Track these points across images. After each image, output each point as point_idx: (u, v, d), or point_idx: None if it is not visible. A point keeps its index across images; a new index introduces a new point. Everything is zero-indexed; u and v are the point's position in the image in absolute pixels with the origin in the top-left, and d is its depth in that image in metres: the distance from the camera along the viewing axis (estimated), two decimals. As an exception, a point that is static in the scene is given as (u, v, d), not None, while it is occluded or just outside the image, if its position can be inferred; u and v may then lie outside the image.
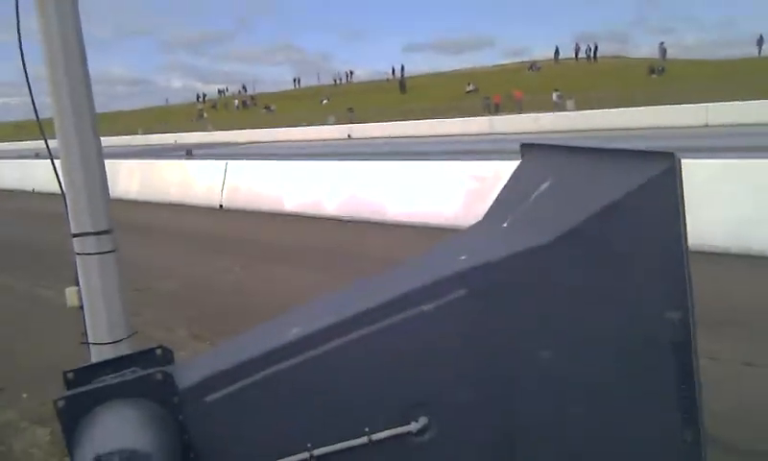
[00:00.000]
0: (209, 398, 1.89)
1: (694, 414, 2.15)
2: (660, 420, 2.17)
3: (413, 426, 1.99)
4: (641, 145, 2.18)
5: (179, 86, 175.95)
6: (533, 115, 37.01)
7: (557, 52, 61.97)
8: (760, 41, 51.17)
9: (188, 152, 30.76)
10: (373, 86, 70.09)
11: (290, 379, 1.93)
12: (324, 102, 65.28)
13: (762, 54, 50.31)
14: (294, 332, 1.99)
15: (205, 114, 74.91)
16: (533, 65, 61.10)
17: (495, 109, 44.21)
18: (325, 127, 48.68)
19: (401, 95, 61.49)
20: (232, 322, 5.28)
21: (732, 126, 26.91)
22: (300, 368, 1.93)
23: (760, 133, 22.23)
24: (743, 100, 29.66)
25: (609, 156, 2.32)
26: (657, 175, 2.02)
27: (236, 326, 3.42)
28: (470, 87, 55.54)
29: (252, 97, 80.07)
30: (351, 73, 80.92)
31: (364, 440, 1.95)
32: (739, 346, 4.51)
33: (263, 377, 1.91)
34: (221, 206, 13.69)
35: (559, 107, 40.83)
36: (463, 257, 2.21)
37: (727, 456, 2.96)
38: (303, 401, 1.96)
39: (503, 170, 2.95)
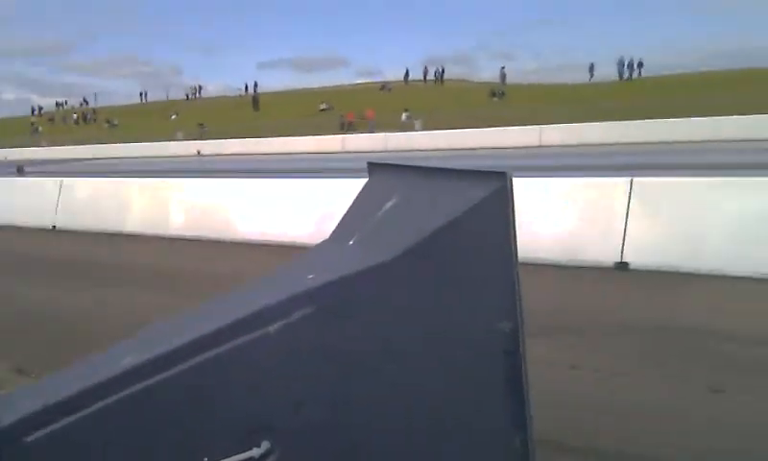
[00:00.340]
0: (30, 437, 1.72)
1: (523, 420, 2.27)
2: (492, 426, 2.27)
3: (255, 452, 1.93)
4: (479, 165, 2.28)
5: (11, 99, 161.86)
6: (383, 134, 37.91)
7: (407, 74, 63.94)
8: (592, 68, 55.83)
9: (19, 169, 28.43)
10: (226, 102, 68.53)
11: (121, 412, 1.81)
12: (174, 117, 62.93)
13: (593, 80, 54.71)
14: (126, 362, 1.86)
15: (41, 128, 69.63)
16: (384, 86, 62.60)
17: (350, 128, 44.83)
18: (174, 143, 46.92)
19: (254, 112, 60.70)
20: (64, 352, 4.90)
21: (563, 146, 29.07)
22: (133, 400, 1.81)
23: (588, 154, 24.18)
24: (574, 122, 32.24)
25: (448, 175, 2.41)
26: (491, 193, 2.13)
27: (68, 355, 3.18)
28: (324, 106, 55.91)
29: (94, 111, 75.47)
30: (200, 88, 78.51)
31: (201, 469, 1.87)
32: (566, 350, 4.81)
33: (91, 413, 1.76)
34: (54, 226, 12.74)
35: (408, 126, 42.07)
36: (310, 276, 2.20)
37: (557, 455, 3.14)
38: (136, 435, 1.84)
39: (353, 188, 3.00)
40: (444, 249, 2.14)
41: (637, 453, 3.35)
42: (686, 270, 6.70)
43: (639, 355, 4.73)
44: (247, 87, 71.13)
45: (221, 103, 69.06)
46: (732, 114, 28.35)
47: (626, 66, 51.71)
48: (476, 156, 26.36)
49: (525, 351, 2.24)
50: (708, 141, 25.63)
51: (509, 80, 57.25)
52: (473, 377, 2.24)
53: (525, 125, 33.30)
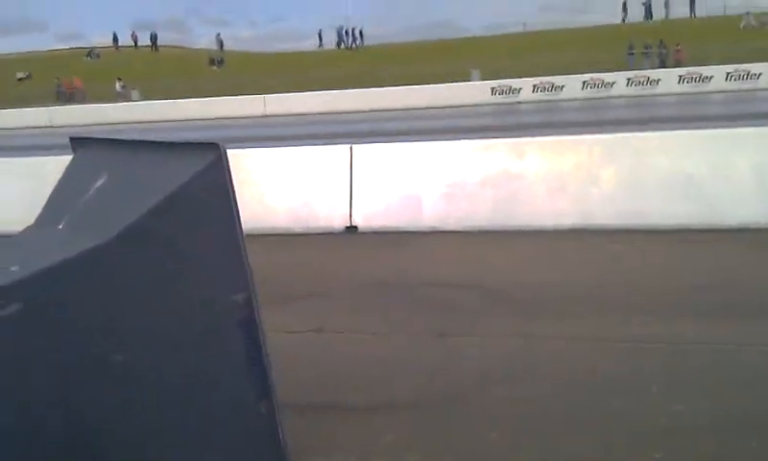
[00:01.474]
0: None
1: (266, 387, 2.35)
2: (236, 396, 2.32)
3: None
4: (205, 136, 2.26)
5: None
6: (96, 106, 35.10)
7: (115, 39, 59.18)
8: (320, 36, 55.80)
9: None
10: None
11: None
12: None
13: (324, 47, 55.03)
14: None
15: None
16: (91, 52, 57.44)
17: (69, 98, 40.57)
18: None
19: (-69, 83, 51.94)
20: None
21: (286, 115, 29.58)
22: None
23: (310, 122, 24.99)
24: (296, 92, 32.90)
25: (159, 149, 2.35)
26: (205, 166, 2.13)
27: None
28: (22, 75, 49.91)
29: None
30: None
31: None
32: (309, 315, 5.00)
33: None
34: None
35: (123, 96, 39.42)
36: (14, 268, 2.01)
37: (304, 415, 3.29)
38: None
39: (62, 166, 2.71)
40: (163, 225, 2.10)
41: (386, 402, 3.62)
42: (408, 229, 7.31)
43: (373, 311, 5.08)
44: None
45: None
46: (441, 82, 31.32)
47: (350, 36, 53.20)
48: (201, 127, 25.69)
49: (261, 320, 2.31)
50: (426, 108, 28.01)
51: (226, 47, 56.12)
52: (212, 350, 2.26)
53: (247, 94, 33.17)
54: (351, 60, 45.77)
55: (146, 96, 37.32)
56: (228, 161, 2.16)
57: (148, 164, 2.33)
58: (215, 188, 2.15)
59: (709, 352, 3.97)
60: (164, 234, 2.11)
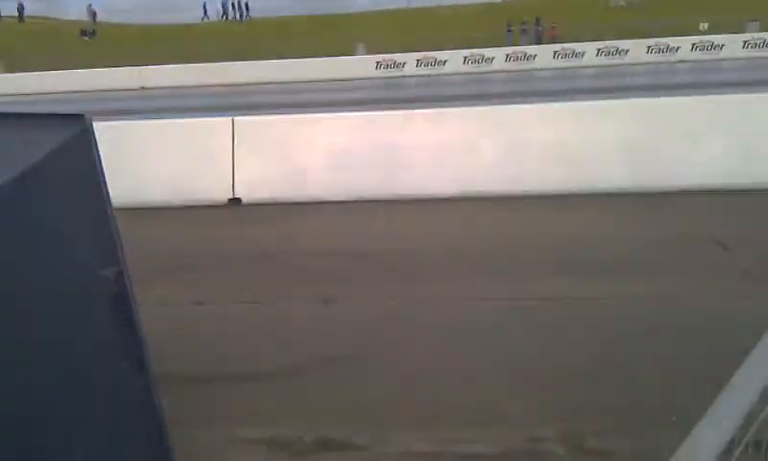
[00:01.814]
0: None
1: (141, 360, 2.29)
2: (110, 370, 2.25)
3: None
4: (58, 109, 2.15)
5: None
6: (-47, 79, 32.37)
7: (-27, 12, 54.75)
8: (205, 8, 53.37)
9: None
10: None
11: None
12: None
13: (209, 19, 52.99)
14: None
15: None
16: (-54, 24, 52.92)
17: None
18: None
19: None
20: None
21: (165, 88, 28.45)
22: None
23: (191, 95, 24.23)
24: (176, 63, 31.68)
25: (21, 120, 2.22)
26: (70, 137, 2.04)
27: None
28: None
29: None
30: None
31: None
32: (189, 288, 4.93)
33: None
34: None
35: (-17, 70, 36.65)
36: None
37: (188, 386, 3.25)
38: None
39: None
40: (24, 199, 1.98)
41: (270, 370, 3.65)
42: (293, 200, 7.27)
43: (256, 282, 5.08)
44: None
45: None
46: (327, 56, 31.12)
47: (236, 9, 51.55)
48: (72, 100, 24.32)
49: (133, 294, 2.25)
50: (311, 81, 27.77)
51: (99, 18, 53.07)
52: (84, 327, 2.17)
53: (122, 66, 31.61)
54: (236, 33, 44.57)
55: (10, 69, 34.78)
56: (94, 133, 2.07)
57: (6, 136, 2.19)
58: (80, 161, 2.06)
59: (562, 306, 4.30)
60: (25, 207, 1.99)
